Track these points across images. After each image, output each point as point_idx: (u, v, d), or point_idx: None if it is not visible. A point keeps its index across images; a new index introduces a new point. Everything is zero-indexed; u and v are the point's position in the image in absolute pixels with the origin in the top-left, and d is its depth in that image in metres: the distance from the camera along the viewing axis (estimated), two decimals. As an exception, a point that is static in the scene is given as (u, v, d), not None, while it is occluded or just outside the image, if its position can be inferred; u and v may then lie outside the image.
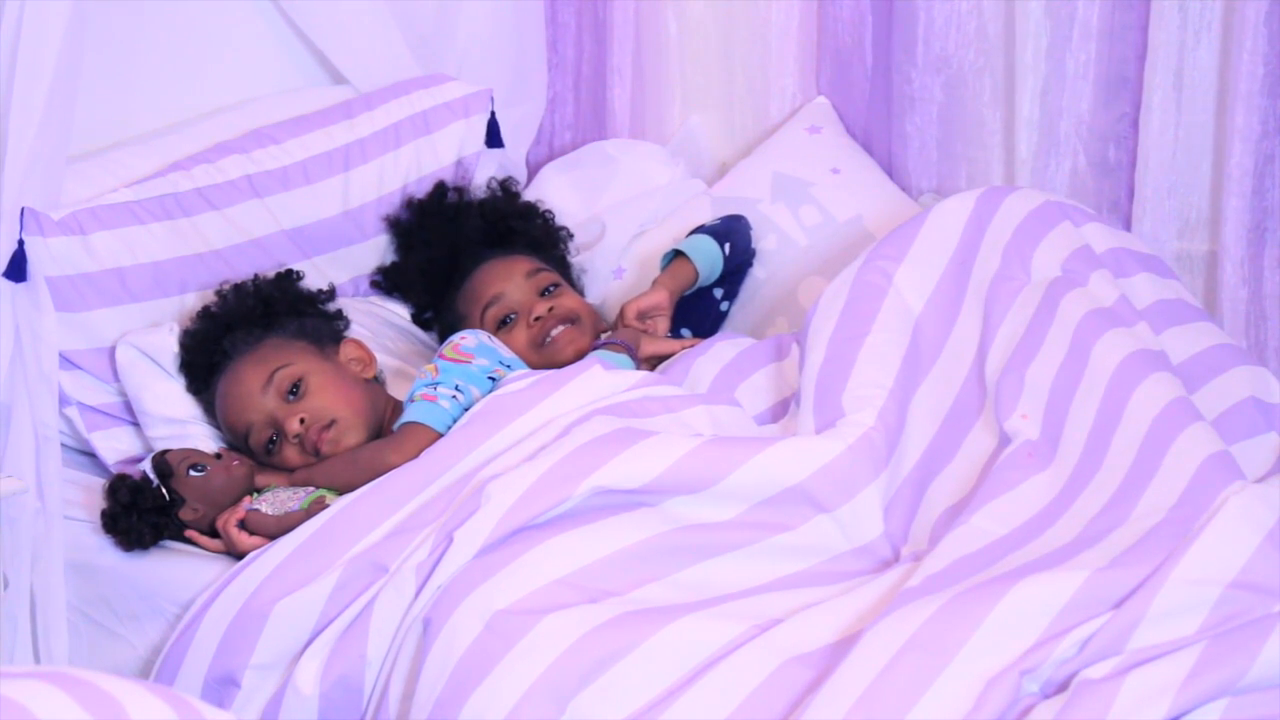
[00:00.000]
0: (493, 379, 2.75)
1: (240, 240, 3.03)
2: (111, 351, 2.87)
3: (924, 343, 2.68)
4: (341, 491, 2.61)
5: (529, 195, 3.29)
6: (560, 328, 2.95)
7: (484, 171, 3.25)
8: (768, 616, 2.31)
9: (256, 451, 2.77)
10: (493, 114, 3.25)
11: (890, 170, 3.37)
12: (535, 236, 3.16)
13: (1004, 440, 2.54)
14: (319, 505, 2.59)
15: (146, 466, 2.69)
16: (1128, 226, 3.16)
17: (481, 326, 2.95)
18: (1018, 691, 2.13)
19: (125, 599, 2.66)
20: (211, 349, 2.84)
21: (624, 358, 2.80)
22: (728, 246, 3.11)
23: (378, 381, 2.91)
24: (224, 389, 2.80)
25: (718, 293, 3.17)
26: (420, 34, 3.34)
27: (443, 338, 2.97)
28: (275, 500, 2.66)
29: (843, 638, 2.25)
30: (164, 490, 2.67)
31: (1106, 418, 2.51)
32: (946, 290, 2.73)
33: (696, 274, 3.06)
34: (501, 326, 2.97)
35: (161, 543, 2.69)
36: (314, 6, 3.24)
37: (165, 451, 2.71)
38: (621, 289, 3.22)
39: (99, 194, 2.93)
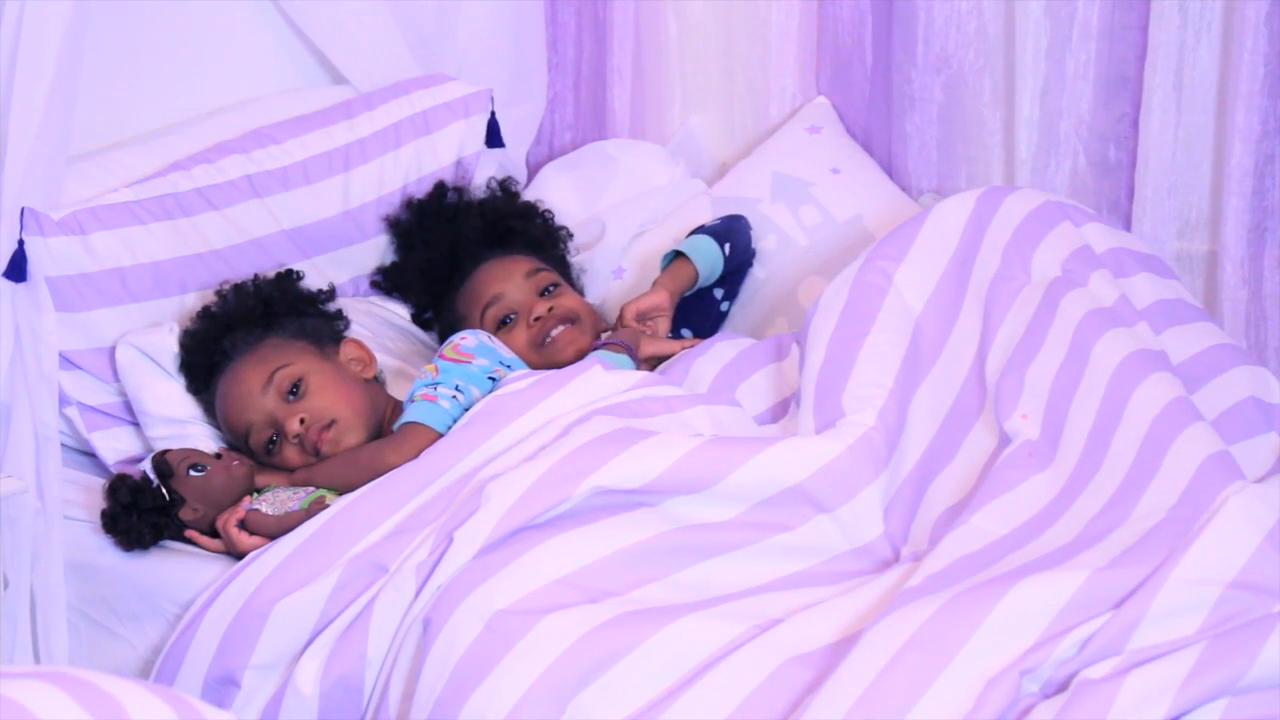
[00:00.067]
0: (493, 379, 2.75)
1: (240, 240, 3.03)
2: (111, 351, 2.87)
3: (924, 343, 2.68)
4: (341, 491, 2.61)
5: (529, 195, 3.29)
6: (560, 328, 2.95)
7: (484, 171, 3.25)
8: (768, 616, 2.31)
9: (256, 451, 2.77)
10: (493, 114, 3.25)
11: (890, 170, 3.37)
12: (535, 236, 3.16)
13: (1004, 440, 2.54)
14: (319, 505, 2.59)
15: (146, 466, 2.69)
16: (1128, 226, 3.16)
17: (481, 326, 2.95)
18: (1018, 691, 2.13)
19: (125, 599, 2.66)
20: (211, 349, 2.84)
21: (624, 358, 2.80)
22: (728, 247, 3.11)
23: (378, 381, 2.91)
24: (224, 389, 2.80)
25: (718, 293, 3.17)
26: (420, 34, 3.34)
27: (443, 338, 2.98)
28: (275, 500, 2.66)
29: (843, 638, 2.25)
30: (164, 490, 2.67)
31: (1107, 418, 2.51)
32: (947, 290, 2.73)
33: (697, 274, 3.06)
34: (501, 326, 2.97)
35: (161, 543, 2.69)
36: (314, 6, 3.24)
37: (165, 451, 2.71)
38: (621, 289, 3.22)
39: (99, 194, 2.92)
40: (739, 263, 3.16)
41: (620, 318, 2.99)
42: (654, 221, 3.30)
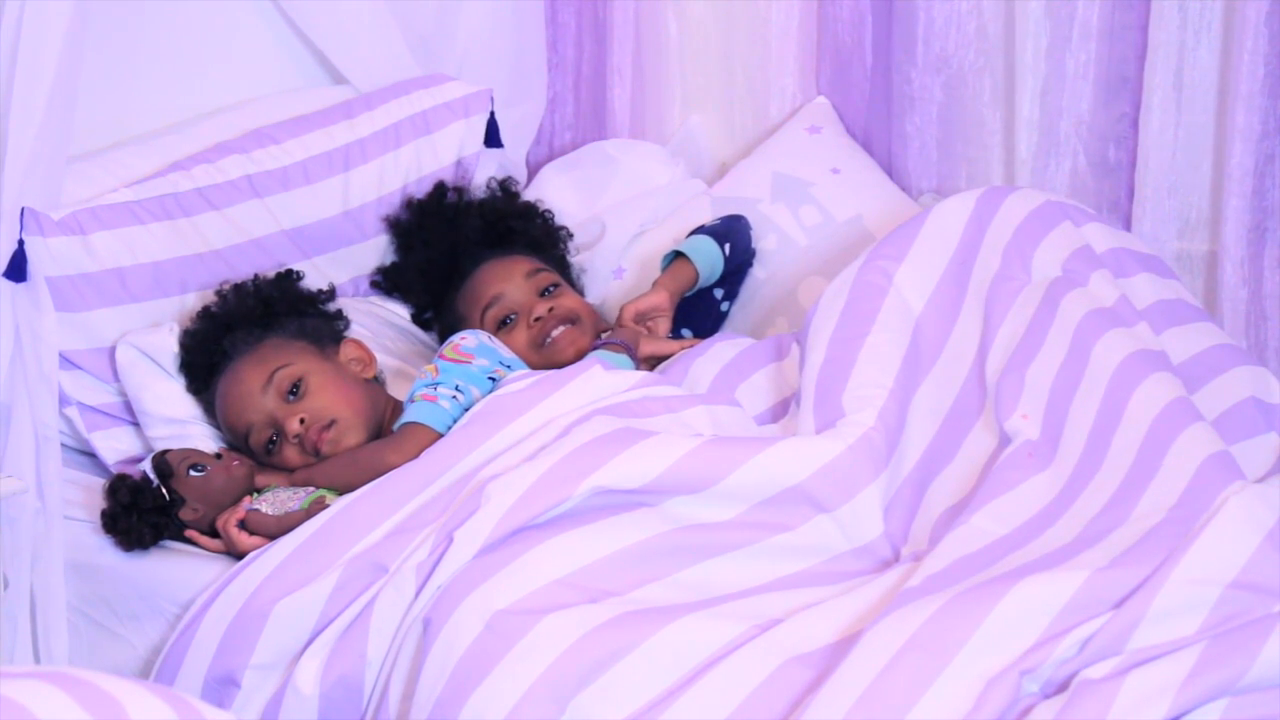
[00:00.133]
0: (493, 379, 2.75)
1: (240, 240, 3.03)
2: (111, 351, 2.87)
3: (924, 343, 2.68)
4: (341, 491, 2.61)
5: (529, 195, 3.29)
6: (560, 328, 2.95)
7: (484, 171, 3.25)
8: (768, 616, 2.31)
9: (256, 451, 2.77)
10: (492, 114, 3.25)
11: (890, 170, 3.37)
12: (535, 236, 3.16)
13: (1004, 440, 2.54)
14: (319, 505, 2.59)
15: (146, 466, 2.69)
16: (1128, 226, 3.16)
17: (481, 327, 2.95)
18: (1018, 691, 2.13)
19: (125, 599, 2.66)
20: (211, 349, 2.84)
21: (624, 358, 2.80)
22: (728, 247, 3.11)
23: (378, 381, 2.91)
24: (224, 389, 2.80)
25: (718, 293, 3.17)
26: (420, 34, 3.34)
27: (443, 338, 2.97)
28: (275, 500, 2.66)
29: (843, 638, 2.25)
30: (164, 490, 2.67)
31: (1107, 418, 2.51)
32: (947, 290, 2.73)
33: (697, 275, 3.06)
34: (501, 327, 2.97)
35: (161, 543, 2.69)
36: (314, 6, 3.24)
37: (165, 451, 2.71)
38: (621, 289, 3.22)
39: (99, 194, 2.92)
40: (739, 263, 3.16)
41: (619, 318, 2.99)
42: (654, 221, 3.30)
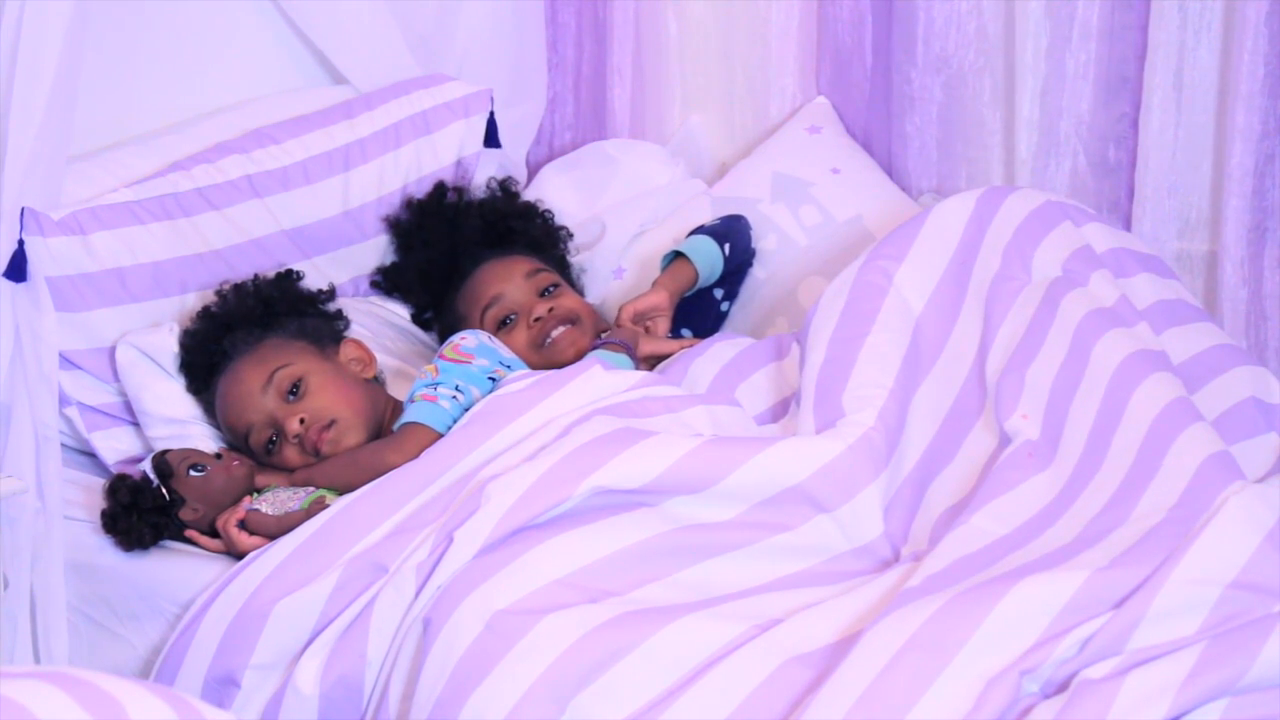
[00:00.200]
0: (493, 379, 2.75)
1: (240, 240, 3.03)
2: (111, 351, 2.87)
3: (924, 343, 2.68)
4: (341, 491, 2.61)
5: (529, 195, 3.29)
6: (561, 328, 2.95)
7: (484, 171, 3.25)
8: (768, 616, 2.31)
9: (256, 451, 2.77)
10: (491, 114, 3.25)
11: (890, 170, 3.37)
12: (535, 236, 3.16)
13: (1004, 440, 2.54)
14: (319, 505, 2.59)
15: (146, 466, 2.69)
16: (1128, 226, 3.16)
17: (481, 327, 2.95)
18: (1018, 691, 2.13)
19: (125, 599, 2.66)
20: (211, 349, 2.84)
21: (623, 358, 2.80)
22: (728, 247, 3.11)
23: (378, 381, 2.91)
24: (224, 389, 2.80)
25: (718, 293, 3.17)
26: (420, 34, 3.34)
27: (443, 338, 2.97)
28: (275, 500, 2.66)
29: (843, 638, 2.25)
30: (164, 490, 2.67)
31: (1107, 418, 2.51)
32: (947, 290, 2.73)
33: (696, 275, 3.06)
34: (501, 327, 2.97)
35: (161, 543, 2.69)
36: (314, 6, 3.24)
37: (165, 451, 2.71)
38: (621, 289, 3.22)
39: (99, 194, 2.92)
40: (739, 263, 3.16)
41: (618, 318, 2.99)
42: (654, 221, 3.30)
